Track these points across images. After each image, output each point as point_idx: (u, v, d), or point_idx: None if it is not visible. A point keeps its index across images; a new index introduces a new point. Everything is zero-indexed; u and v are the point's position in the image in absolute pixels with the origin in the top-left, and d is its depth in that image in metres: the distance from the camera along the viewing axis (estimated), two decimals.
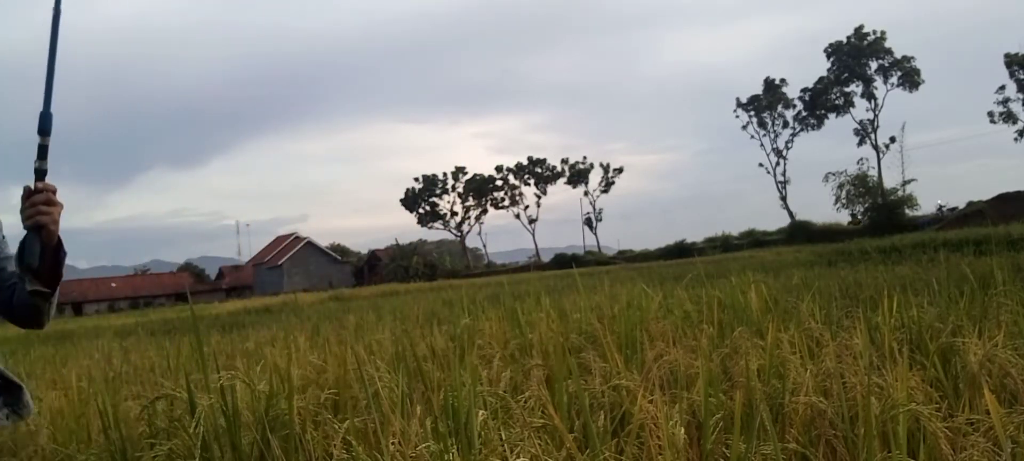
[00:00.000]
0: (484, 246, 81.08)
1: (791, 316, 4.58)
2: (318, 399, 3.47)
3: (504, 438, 2.53)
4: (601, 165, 75.82)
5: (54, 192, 1.75)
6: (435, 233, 78.88)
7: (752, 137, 66.74)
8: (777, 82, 64.84)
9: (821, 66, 67.35)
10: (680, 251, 57.32)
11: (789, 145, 64.98)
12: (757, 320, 4.53)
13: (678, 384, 3.11)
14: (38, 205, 1.72)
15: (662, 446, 2.29)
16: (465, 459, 2.42)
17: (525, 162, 76.68)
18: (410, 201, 77.70)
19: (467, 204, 77.35)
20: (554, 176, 76.31)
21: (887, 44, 59.50)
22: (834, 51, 61.43)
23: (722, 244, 57.44)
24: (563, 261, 56.93)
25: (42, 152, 1.74)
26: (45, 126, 1.74)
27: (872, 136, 60.33)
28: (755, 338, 3.88)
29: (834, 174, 58.26)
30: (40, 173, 1.75)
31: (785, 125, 65.14)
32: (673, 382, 3.24)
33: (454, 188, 77.49)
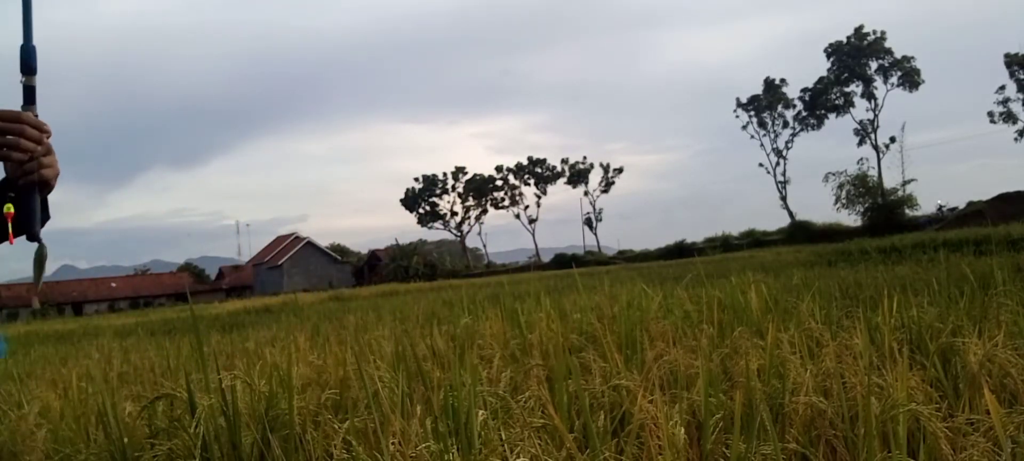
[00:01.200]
0: (484, 246, 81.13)
1: (791, 316, 4.58)
2: (318, 399, 3.47)
3: (504, 438, 2.53)
4: (601, 165, 75.92)
5: (49, 135, 1.37)
6: (435, 233, 78.94)
7: (752, 137, 66.83)
8: (777, 82, 64.86)
9: (821, 66, 67.45)
10: (680, 251, 57.34)
11: (789, 145, 65.04)
12: (757, 320, 4.53)
13: (678, 384, 3.11)
14: (40, 158, 1.34)
15: (662, 446, 2.29)
16: (465, 459, 2.42)
17: (525, 162, 76.76)
18: (410, 201, 77.69)
19: (467, 204, 77.37)
20: (554, 176, 76.35)
21: (887, 44, 59.54)
22: (834, 51, 61.45)
23: (722, 244, 57.44)
24: (563, 261, 56.94)
25: (29, 95, 1.36)
26: (30, 63, 1.36)
27: (872, 136, 60.36)
28: (755, 338, 3.88)
29: (834, 174, 58.26)
30: None
31: (785, 125, 65.20)
32: (673, 382, 3.24)
33: (454, 188, 77.52)
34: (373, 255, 76.73)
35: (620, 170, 76.03)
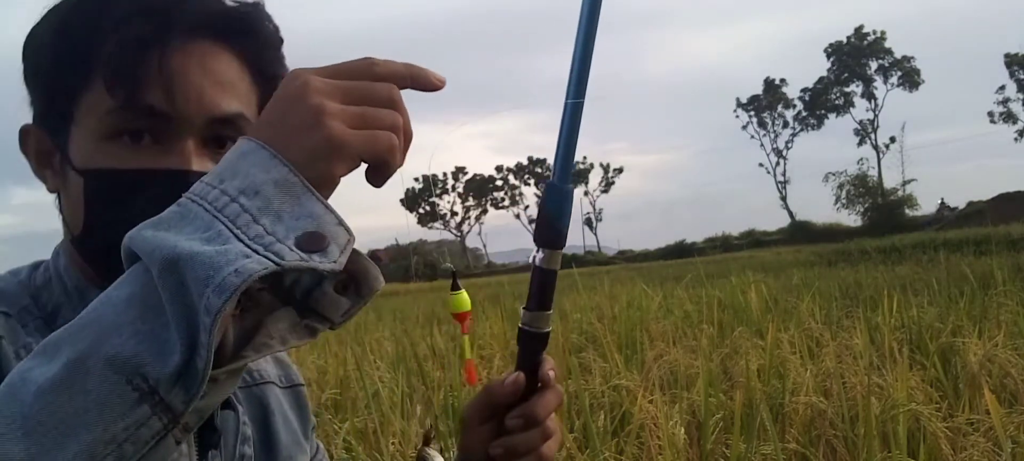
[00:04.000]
0: (484, 246, 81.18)
1: (791, 316, 4.58)
2: (318, 399, 3.47)
3: None
4: (601, 165, 75.96)
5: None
6: (435, 233, 78.96)
7: (752, 137, 66.81)
8: (777, 82, 64.91)
9: (821, 66, 67.56)
10: (680, 251, 57.29)
11: (789, 145, 65.06)
12: (757, 320, 4.53)
13: (678, 384, 3.11)
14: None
15: (662, 446, 2.29)
16: None
17: (525, 162, 76.82)
18: (410, 201, 77.78)
19: (467, 204, 77.46)
20: None
21: (887, 44, 59.58)
22: (834, 51, 61.49)
23: (722, 244, 57.42)
24: (563, 261, 56.65)
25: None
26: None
27: (872, 136, 60.41)
28: (755, 338, 3.88)
29: (834, 174, 58.27)
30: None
31: (785, 125, 65.22)
32: (673, 382, 3.24)
33: (454, 188, 77.60)
34: (373, 255, 76.43)
35: (620, 170, 76.15)
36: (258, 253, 0.46)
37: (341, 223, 0.50)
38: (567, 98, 0.70)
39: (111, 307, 0.47)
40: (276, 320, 0.52)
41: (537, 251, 0.74)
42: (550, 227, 0.72)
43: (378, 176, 0.53)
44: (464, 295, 0.79)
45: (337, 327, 0.55)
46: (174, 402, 0.45)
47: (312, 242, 0.48)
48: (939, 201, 52.24)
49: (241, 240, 0.46)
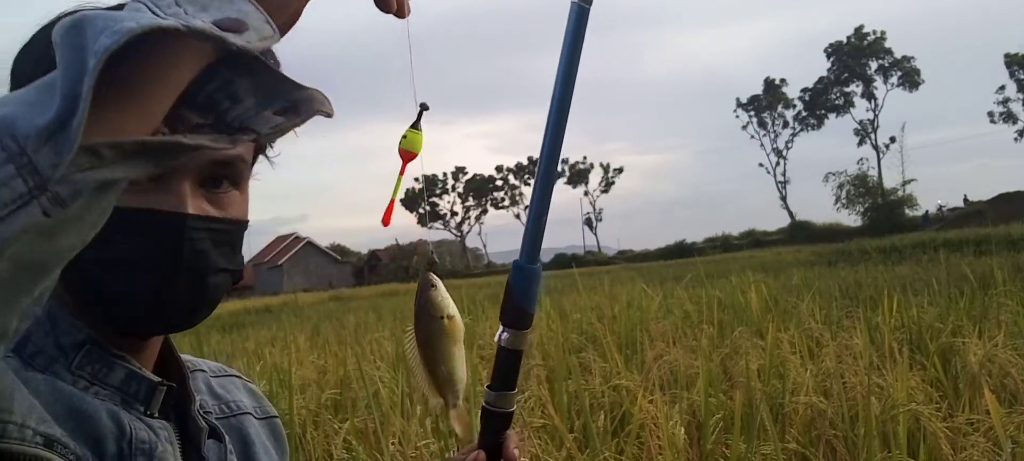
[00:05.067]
0: (484, 246, 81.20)
1: (791, 316, 4.58)
2: (318, 399, 3.47)
3: None
4: (601, 165, 75.94)
5: None
6: (435, 233, 78.98)
7: (752, 137, 66.80)
8: (777, 82, 64.93)
9: (821, 66, 67.54)
10: (680, 251, 57.25)
11: (789, 145, 65.08)
12: (757, 320, 4.53)
13: (678, 384, 3.11)
14: None
15: (662, 446, 2.29)
16: None
17: (525, 162, 76.86)
18: (410, 201, 77.79)
19: (467, 204, 77.51)
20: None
21: (887, 44, 59.61)
22: (834, 51, 61.50)
23: (722, 244, 57.40)
24: (563, 261, 56.81)
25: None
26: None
27: (872, 136, 60.41)
28: (755, 338, 3.88)
29: (834, 174, 58.31)
30: None
31: (785, 125, 65.23)
32: (673, 382, 3.24)
33: (454, 188, 77.66)
34: (373, 255, 76.80)
35: (620, 170, 76.14)
36: (168, 19, 0.44)
37: (269, 22, 0.49)
38: (538, 173, 0.72)
39: (18, 92, 0.45)
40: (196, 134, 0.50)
41: (502, 331, 0.73)
42: (516, 308, 0.72)
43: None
44: (421, 137, 0.72)
45: (262, 138, 0.54)
46: (41, 163, 0.41)
47: (230, 24, 0.47)
48: (939, 202, 52.39)
49: (156, 14, 0.45)
